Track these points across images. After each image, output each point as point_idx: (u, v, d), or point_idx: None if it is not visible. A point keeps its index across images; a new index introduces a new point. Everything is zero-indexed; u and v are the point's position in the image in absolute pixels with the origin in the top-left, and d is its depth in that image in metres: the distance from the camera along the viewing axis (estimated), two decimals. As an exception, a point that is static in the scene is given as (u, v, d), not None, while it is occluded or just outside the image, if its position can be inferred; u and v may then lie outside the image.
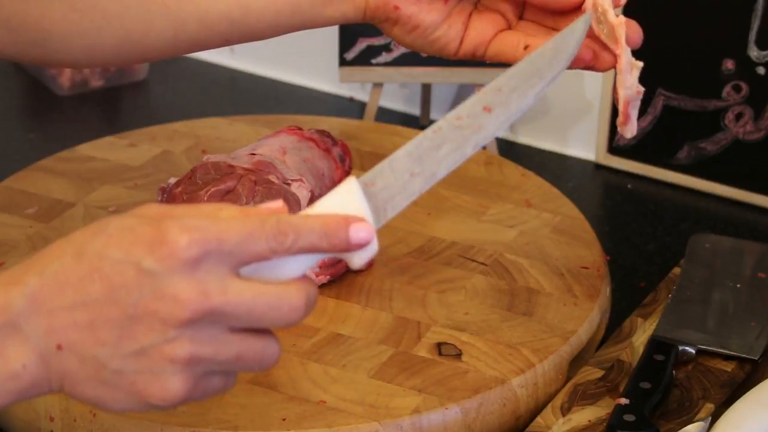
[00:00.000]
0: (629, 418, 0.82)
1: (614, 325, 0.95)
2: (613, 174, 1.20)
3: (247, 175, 0.93)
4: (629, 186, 1.19)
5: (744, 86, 1.13)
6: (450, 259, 0.98)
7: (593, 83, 1.21)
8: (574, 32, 0.76)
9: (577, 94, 1.23)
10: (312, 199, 0.95)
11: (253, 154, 0.96)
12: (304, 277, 0.64)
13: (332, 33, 1.24)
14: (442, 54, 0.85)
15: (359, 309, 0.92)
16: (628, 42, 0.83)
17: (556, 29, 0.83)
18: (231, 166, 0.94)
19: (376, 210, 0.66)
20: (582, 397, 0.86)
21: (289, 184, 0.95)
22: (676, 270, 1.00)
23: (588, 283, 0.96)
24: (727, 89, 1.14)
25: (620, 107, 0.83)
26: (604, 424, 0.83)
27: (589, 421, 0.84)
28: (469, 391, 0.85)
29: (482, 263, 0.98)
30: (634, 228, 1.12)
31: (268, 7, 0.83)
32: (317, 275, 0.93)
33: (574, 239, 1.01)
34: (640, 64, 0.83)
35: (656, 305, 0.95)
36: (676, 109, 1.16)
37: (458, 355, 0.88)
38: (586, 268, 0.98)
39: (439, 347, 0.89)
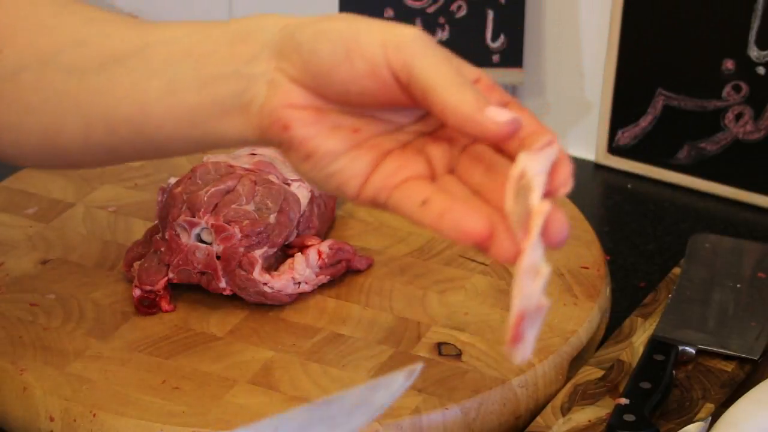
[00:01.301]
0: (629, 418, 0.82)
1: (614, 325, 0.95)
2: (613, 174, 1.20)
3: (247, 175, 0.93)
4: (629, 186, 1.19)
5: (744, 86, 1.13)
6: (450, 259, 0.98)
7: (593, 83, 1.21)
8: (389, 387, 0.60)
9: (576, 94, 1.23)
10: (312, 199, 0.95)
11: (253, 154, 0.96)
12: None
13: (332, 33, 1.24)
14: (340, 194, 0.67)
15: (359, 309, 0.92)
16: (544, 238, 0.61)
17: (480, 192, 0.65)
18: (231, 166, 0.94)
19: None
20: (582, 397, 0.86)
21: (289, 184, 0.95)
22: (676, 270, 1.00)
23: (588, 283, 0.96)
24: (727, 89, 1.14)
25: (511, 320, 0.61)
26: (604, 424, 0.83)
27: (589, 421, 0.84)
28: (469, 391, 0.85)
29: (482, 263, 0.98)
30: (634, 228, 1.12)
31: (168, 115, 0.70)
32: (317, 275, 0.93)
33: (574, 239, 1.01)
34: (547, 271, 0.61)
35: (656, 305, 0.95)
36: (676, 109, 1.16)
37: (458, 355, 0.88)
38: (586, 268, 0.98)
39: (439, 347, 0.89)
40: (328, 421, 0.59)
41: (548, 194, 0.63)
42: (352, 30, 0.65)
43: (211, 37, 0.69)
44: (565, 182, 0.63)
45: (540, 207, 0.61)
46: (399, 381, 0.60)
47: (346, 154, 0.66)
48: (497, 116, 0.62)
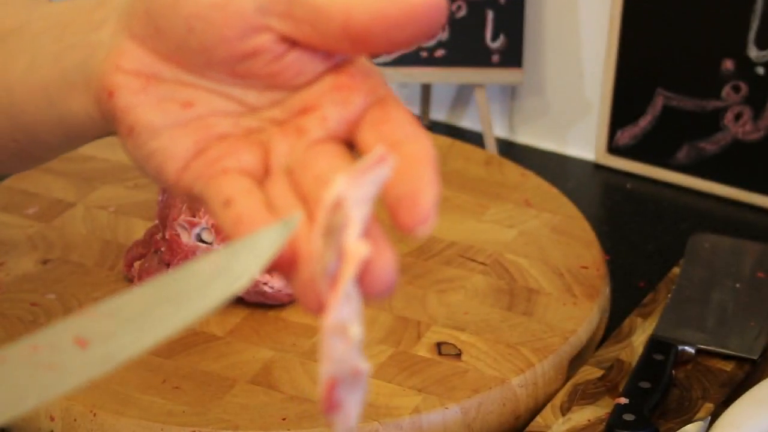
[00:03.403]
0: (629, 417, 0.82)
1: (614, 325, 0.95)
2: (613, 174, 1.20)
3: (247, 175, 0.93)
4: (628, 186, 1.19)
5: (743, 86, 1.13)
6: (450, 259, 0.98)
7: (593, 83, 1.21)
8: (254, 247, 0.49)
9: (576, 93, 1.23)
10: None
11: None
12: None
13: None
14: (161, 181, 0.56)
15: (359, 309, 0.92)
16: (362, 288, 0.48)
17: (309, 201, 0.52)
18: (231, 166, 0.94)
19: None
20: (581, 396, 0.86)
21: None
22: (676, 270, 1.00)
23: (587, 283, 0.96)
24: (727, 89, 1.14)
25: (321, 388, 0.49)
26: (604, 423, 0.83)
27: (589, 420, 0.84)
28: (469, 391, 0.85)
29: (482, 263, 0.98)
30: (634, 228, 1.12)
31: (28, 94, 0.62)
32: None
33: (574, 239, 1.02)
34: (358, 332, 0.49)
35: (656, 305, 0.96)
36: (675, 109, 1.16)
37: (458, 355, 0.88)
38: (586, 267, 0.98)
39: (439, 347, 0.89)
40: (176, 299, 0.49)
41: (404, 230, 0.48)
42: None
43: (79, 6, 0.61)
44: (422, 219, 0.49)
45: (354, 251, 0.47)
46: (267, 239, 0.49)
47: (167, 131, 0.55)
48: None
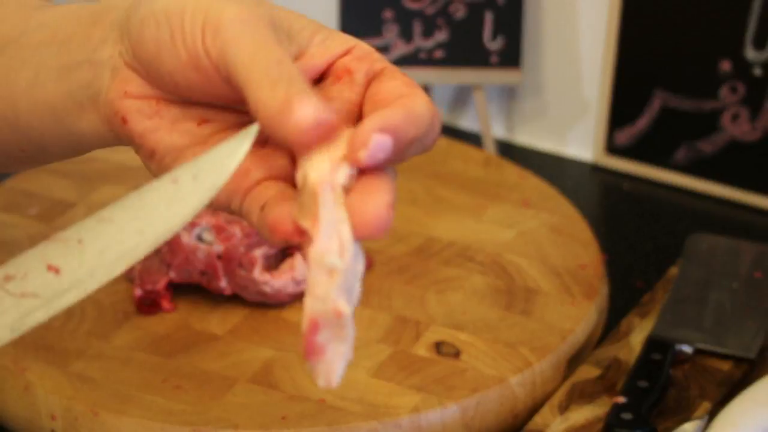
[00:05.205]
0: (627, 416, 0.83)
1: (612, 325, 0.95)
2: (611, 174, 1.20)
3: (247, 176, 0.93)
4: (627, 186, 1.19)
5: (741, 87, 1.13)
6: (448, 259, 0.99)
7: (591, 84, 1.22)
8: (230, 153, 0.50)
9: (574, 94, 1.23)
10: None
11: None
12: None
13: (331, 34, 1.24)
14: None
15: (358, 308, 0.92)
16: (355, 226, 0.50)
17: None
18: (231, 167, 0.94)
19: None
20: (580, 395, 0.86)
21: (288, 185, 0.95)
22: (674, 270, 1.00)
23: (586, 283, 0.96)
24: (724, 90, 1.14)
25: (303, 327, 0.49)
26: (602, 422, 0.84)
27: (587, 419, 0.84)
28: (468, 390, 0.85)
29: (480, 263, 0.98)
30: (632, 228, 1.12)
31: (33, 110, 0.61)
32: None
33: (572, 239, 1.02)
34: (342, 267, 0.49)
35: (654, 305, 0.96)
36: (673, 110, 1.17)
37: (457, 354, 0.88)
38: (584, 267, 0.98)
39: (438, 346, 0.89)
40: (154, 210, 0.49)
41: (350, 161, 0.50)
42: (179, 7, 0.54)
43: (77, 18, 0.60)
44: (362, 144, 0.49)
45: (317, 180, 0.48)
46: (233, 146, 0.49)
47: (190, 151, 0.55)
48: (302, 118, 0.50)
